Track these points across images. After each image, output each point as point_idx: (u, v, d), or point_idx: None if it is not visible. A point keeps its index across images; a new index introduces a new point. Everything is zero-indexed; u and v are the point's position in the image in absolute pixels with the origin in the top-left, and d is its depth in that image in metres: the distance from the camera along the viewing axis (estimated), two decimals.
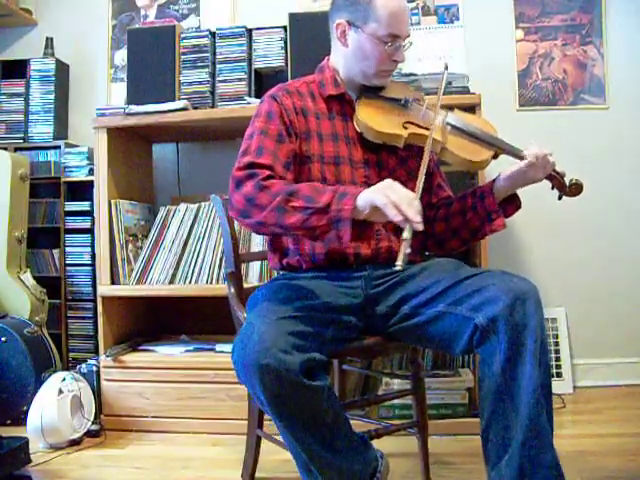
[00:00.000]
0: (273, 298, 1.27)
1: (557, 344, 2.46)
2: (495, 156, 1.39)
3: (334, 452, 1.16)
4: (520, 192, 1.43)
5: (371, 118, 1.39)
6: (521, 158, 1.34)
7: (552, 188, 1.39)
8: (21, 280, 2.36)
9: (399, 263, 1.09)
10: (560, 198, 1.40)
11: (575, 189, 1.37)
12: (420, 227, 1.09)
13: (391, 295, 1.33)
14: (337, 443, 1.16)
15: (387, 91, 1.46)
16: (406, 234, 1.10)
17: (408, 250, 1.10)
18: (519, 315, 1.13)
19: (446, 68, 1.48)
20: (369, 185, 1.37)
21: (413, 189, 1.20)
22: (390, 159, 1.44)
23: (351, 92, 1.46)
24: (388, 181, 1.15)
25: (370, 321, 1.34)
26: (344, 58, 1.43)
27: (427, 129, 1.37)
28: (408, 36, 1.39)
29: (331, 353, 1.27)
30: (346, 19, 1.38)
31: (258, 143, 1.32)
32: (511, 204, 1.41)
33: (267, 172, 1.24)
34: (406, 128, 1.38)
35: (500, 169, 1.39)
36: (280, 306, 1.20)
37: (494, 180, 1.39)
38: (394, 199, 1.09)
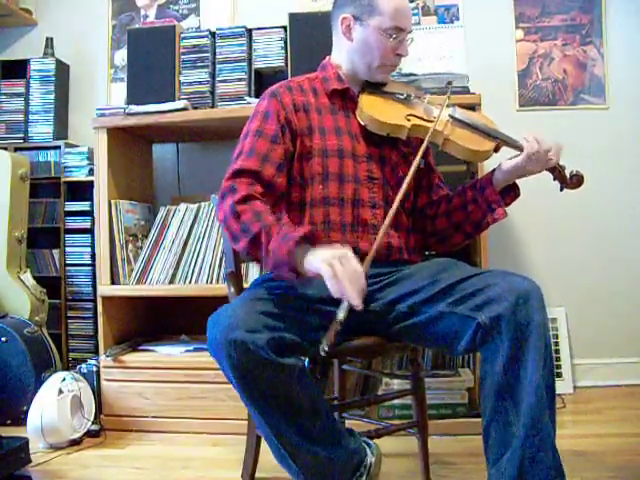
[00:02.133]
0: (260, 285, 1.29)
1: (557, 344, 2.47)
2: (497, 149, 1.40)
3: (309, 439, 1.15)
4: (520, 192, 1.43)
5: (375, 109, 1.40)
6: (521, 150, 1.35)
7: (554, 180, 1.40)
8: (21, 280, 2.36)
9: (324, 348, 1.09)
10: (562, 190, 1.41)
11: (576, 181, 1.38)
12: (358, 307, 1.09)
13: (387, 292, 1.32)
14: (313, 430, 1.15)
15: (388, 87, 1.48)
16: (340, 315, 1.10)
17: (339, 328, 1.10)
18: (522, 314, 1.13)
19: (449, 83, 1.51)
20: (372, 179, 1.40)
21: (412, 184, 1.25)
22: (393, 154, 1.45)
23: (353, 88, 1.47)
24: (341, 250, 1.14)
25: (363, 318, 1.31)
26: (348, 53, 1.45)
27: (430, 121, 1.39)
28: (410, 31, 1.41)
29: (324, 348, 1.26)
30: (351, 13, 1.40)
31: (251, 144, 1.34)
32: (510, 193, 1.41)
33: (244, 192, 1.25)
34: (409, 120, 1.40)
35: (501, 160, 1.40)
36: (262, 290, 1.22)
37: (493, 171, 1.40)
38: (339, 274, 1.08)
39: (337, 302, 1.27)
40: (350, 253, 1.13)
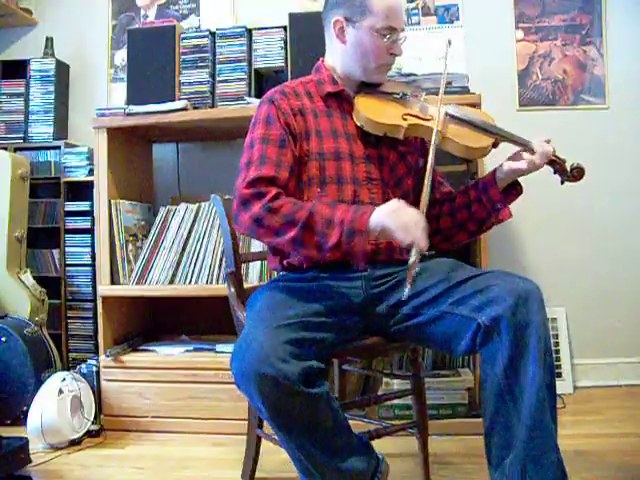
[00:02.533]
0: (272, 302, 1.28)
1: (557, 344, 2.47)
2: (495, 145, 1.40)
3: (334, 454, 1.16)
4: (523, 190, 1.42)
5: (371, 110, 1.40)
6: (521, 145, 1.35)
7: (554, 173, 1.39)
8: (21, 280, 2.36)
9: (407, 289, 1.19)
10: (563, 183, 1.40)
11: (577, 173, 1.38)
12: (425, 249, 1.17)
13: (391, 295, 1.33)
14: (337, 445, 1.17)
15: (384, 87, 1.48)
16: (413, 257, 1.18)
17: (415, 271, 1.19)
18: (522, 315, 1.13)
19: (449, 43, 1.48)
20: (371, 180, 1.40)
21: (411, 184, 1.28)
22: (391, 154, 1.44)
23: (349, 90, 1.47)
24: (396, 203, 1.22)
25: (370, 321, 1.34)
26: (342, 55, 1.44)
27: (426, 120, 1.39)
28: (403, 30, 1.41)
29: (331, 355, 1.27)
30: (343, 15, 1.40)
31: (260, 152, 1.33)
32: (512, 191, 1.40)
33: (274, 191, 1.27)
34: (405, 119, 1.40)
35: (502, 158, 1.39)
36: (278, 312, 1.20)
37: (495, 170, 1.39)
38: (405, 221, 1.18)
39: (354, 311, 1.31)
40: (402, 202, 1.23)
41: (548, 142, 1.34)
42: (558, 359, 2.45)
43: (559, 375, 2.42)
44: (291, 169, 1.34)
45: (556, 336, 2.47)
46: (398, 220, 1.17)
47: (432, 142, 1.34)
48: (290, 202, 1.26)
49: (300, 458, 1.15)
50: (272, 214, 1.24)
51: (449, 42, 1.47)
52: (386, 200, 1.40)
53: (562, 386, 2.38)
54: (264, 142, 1.34)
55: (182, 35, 2.31)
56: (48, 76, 2.63)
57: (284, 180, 1.31)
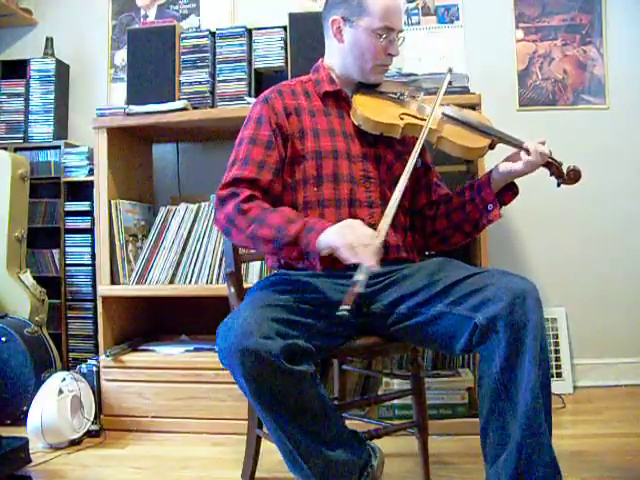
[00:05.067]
0: (266, 289, 1.30)
1: (557, 344, 2.46)
2: (492, 146, 1.40)
3: (321, 442, 1.15)
4: (520, 192, 1.43)
5: (368, 109, 1.41)
6: (517, 147, 1.35)
7: (550, 175, 1.39)
8: (21, 280, 2.36)
9: (344, 307, 1.09)
10: (559, 185, 1.39)
11: (573, 176, 1.37)
12: (375, 269, 1.13)
13: (387, 294, 1.33)
14: (324, 433, 1.16)
15: (382, 87, 1.49)
16: (358, 276, 1.13)
17: (358, 291, 1.12)
18: (518, 314, 1.13)
19: (450, 71, 1.50)
20: (368, 179, 1.41)
21: (408, 183, 1.26)
22: (388, 153, 1.45)
23: (347, 89, 1.48)
24: (349, 221, 1.22)
25: (366, 320, 1.34)
26: (340, 55, 1.45)
27: (423, 120, 1.40)
28: (401, 31, 1.42)
29: (325, 348, 1.27)
30: (341, 15, 1.41)
31: (245, 153, 1.36)
32: (508, 192, 1.41)
33: (248, 192, 1.30)
34: (402, 119, 1.41)
35: (498, 159, 1.39)
36: (270, 295, 1.23)
37: (491, 171, 1.39)
38: (350, 241, 1.14)
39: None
40: (358, 222, 1.20)
41: (543, 144, 1.33)
42: (558, 359, 2.45)
43: (559, 375, 2.43)
44: (276, 171, 1.36)
45: (556, 336, 2.47)
46: (345, 239, 1.15)
47: (413, 155, 1.33)
48: (259, 207, 1.28)
49: (284, 442, 1.14)
50: (241, 215, 1.27)
51: (450, 70, 1.49)
52: (383, 199, 1.41)
53: (562, 386, 2.38)
54: (251, 142, 1.37)
55: (182, 35, 2.32)
56: (48, 76, 2.63)
57: (266, 182, 1.34)
